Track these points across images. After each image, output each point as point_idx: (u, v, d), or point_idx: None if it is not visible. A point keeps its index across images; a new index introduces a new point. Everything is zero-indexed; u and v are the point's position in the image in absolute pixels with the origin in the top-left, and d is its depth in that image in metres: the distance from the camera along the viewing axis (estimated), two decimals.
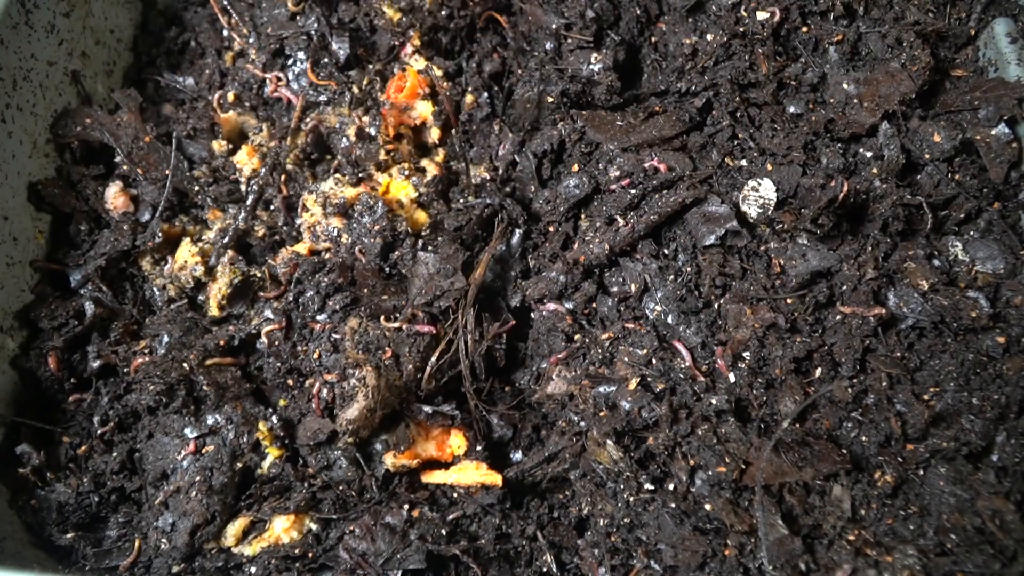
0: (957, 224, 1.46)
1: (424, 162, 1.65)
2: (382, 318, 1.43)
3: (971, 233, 1.45)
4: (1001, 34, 1.58)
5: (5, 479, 1.38)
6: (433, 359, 1.40)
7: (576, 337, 1.44)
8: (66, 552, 1.34)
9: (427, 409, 1.40)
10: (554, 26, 1.69)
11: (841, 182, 1.40)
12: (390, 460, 1.36)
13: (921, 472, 1.23)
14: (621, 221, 1.48)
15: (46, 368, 1.44)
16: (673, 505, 1.24)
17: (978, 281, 1.39)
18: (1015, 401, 1.26)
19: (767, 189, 1.44)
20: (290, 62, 1.72)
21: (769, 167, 1.50)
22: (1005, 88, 1.51)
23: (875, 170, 1.48)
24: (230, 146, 1.69)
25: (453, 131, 1.66)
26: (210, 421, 1.37)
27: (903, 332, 1.36)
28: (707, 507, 1.22)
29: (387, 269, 1.51)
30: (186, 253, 1.55)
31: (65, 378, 1.44)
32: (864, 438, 1.27)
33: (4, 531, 1.32)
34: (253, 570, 1.28)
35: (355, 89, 1.65)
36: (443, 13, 1.75)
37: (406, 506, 1.32)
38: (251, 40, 1.75)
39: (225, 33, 1.78)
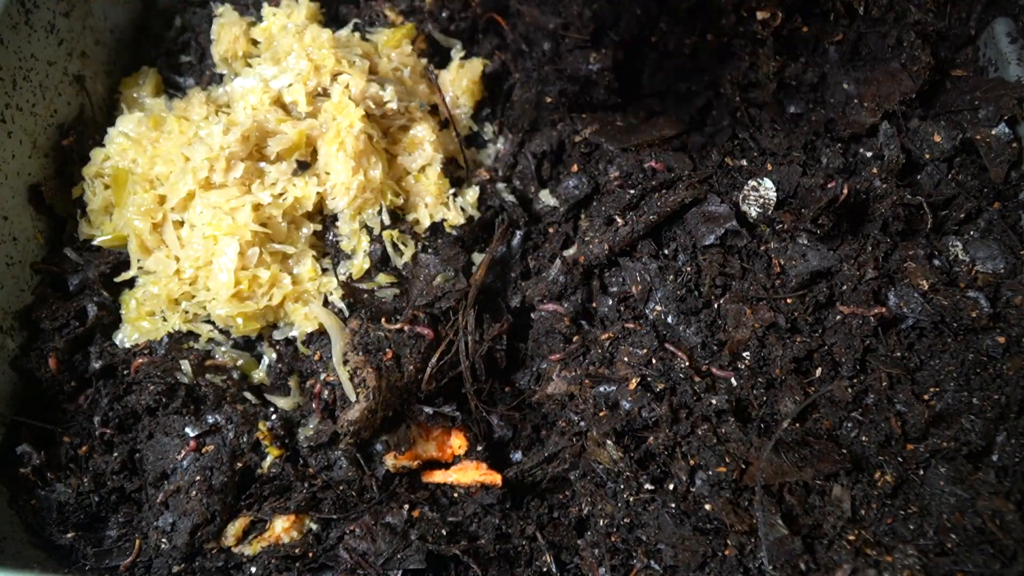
0: (957, 224, 1.46)
1: None
2: (383, 319, 1.43)
3: (971, 233, 1.45)
4: (1001, 34, 1.57)
5: (5, 479, 1.38)
6: (433, 360, 1.40)
7: (576, 337, 1.44)
8: (66, 552, 1.34)
9: (428, 410, 1.40)
10: (551, 26, 1.69)
11: (841, 182, 1.40)
12: (391, 461, 1.36)
13: (921, 472, 1.23)
14: (620, 221, 1.48)
15: (46, 369, 1.44)
16: (673, 505, 1.24)
17: (978, 281, 1.38)
18: (1015, 401, 1.25)
19: (767, 189, 1.44)
20: None
21: (769, 167, 1.50)
22: (1005, 88, 1.51)
23: (875, 170, 1.48)
24: None
25: (454, 134, 1.66)
26: (210, 421, 1.37)
27: (903, 332, 1.36)
28: (707, 507, 1.22)
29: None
30: None
31: (65, 379, 1.44)
32: (864, 438, 1.27)
33: (4, 531, 1.32)
34: (253, 570, 1.28)
35: None
36: (444, 15, 1.75)
37: (406, 506, 1.32)
38: None
39: None
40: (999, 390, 1.27)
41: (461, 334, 1.42)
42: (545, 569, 1.29)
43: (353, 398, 1.34)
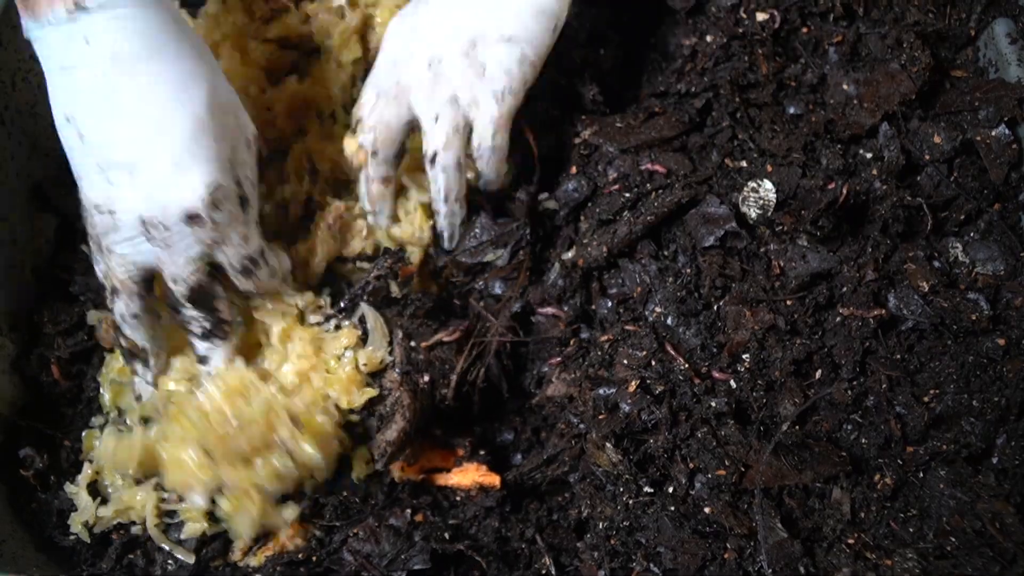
0: (957, 225, 1.45)
1: None
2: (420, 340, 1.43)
3: (971, 234, 1.44)
4: (1001, 34, 1.57)
5: (5, 481, 1.38)
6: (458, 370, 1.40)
7: (574, 340, 1.44)
8: (67, 555, 1.34)
9: (440, 433, 1.39)
10: None
11: (841, 183, 1.40)
12: (397, 473, 1.35)
13: (921, 475, 1.23)
14: (619, 223, 1.48)
15: (48, 374, 1.44)
16: (672, 508, 1.24)
17: (978, 283, 1.38)
18: (1015, 403, 1.25)
19: (767, 190, 1.43)
20: None
21: (769, 168, 1.50)
22: (1005, 89, 1.50)
23: (875, 171, 1.47)
24: None
25: None
26: None
27: (903, 334, 1.36)
28: (707, 510, 1.22)
29: None
30: None
31: (67, 384, 1.44)
32: (864, 440, 1.27)
33: (4, 533, 1.32)
34: None
35: None
36: None
37: (408, 511, 1.32)
38: None
39: None
40: (999, 392, 1.27)
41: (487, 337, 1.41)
42: (544, 571, 1.29)
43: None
